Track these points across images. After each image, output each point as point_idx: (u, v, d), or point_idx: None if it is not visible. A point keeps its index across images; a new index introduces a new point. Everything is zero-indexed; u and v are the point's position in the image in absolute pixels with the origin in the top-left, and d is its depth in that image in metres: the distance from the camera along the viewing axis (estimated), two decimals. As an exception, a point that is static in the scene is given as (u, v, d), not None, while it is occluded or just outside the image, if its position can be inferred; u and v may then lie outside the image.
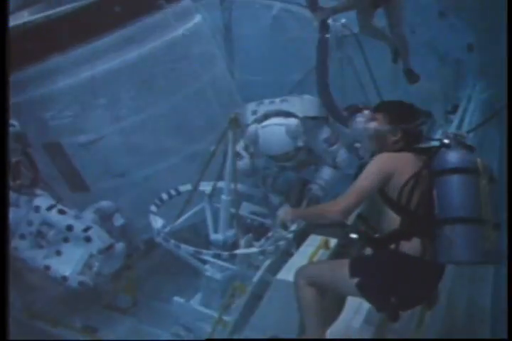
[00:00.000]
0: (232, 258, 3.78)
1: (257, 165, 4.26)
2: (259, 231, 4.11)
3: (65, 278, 4.07)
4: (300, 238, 3.69)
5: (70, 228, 4.12)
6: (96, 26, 4.26)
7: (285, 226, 3.42)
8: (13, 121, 4.52)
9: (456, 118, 6.06)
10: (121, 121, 4.47)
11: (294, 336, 3.02)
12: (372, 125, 2.68)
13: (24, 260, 4.24)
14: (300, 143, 3.96)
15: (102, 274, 4.18)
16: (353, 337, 3.06)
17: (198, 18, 4.94)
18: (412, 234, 2.47)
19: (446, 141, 2.43)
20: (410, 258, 2.48)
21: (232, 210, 4.08)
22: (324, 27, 4.25)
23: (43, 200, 4.33)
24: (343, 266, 2.64)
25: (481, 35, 7.07)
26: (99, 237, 4.14)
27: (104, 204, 4.50)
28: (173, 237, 3.86)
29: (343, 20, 5.41)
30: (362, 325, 3.12)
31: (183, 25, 4.67)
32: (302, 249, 3.48)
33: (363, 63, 5.25)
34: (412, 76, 4.93)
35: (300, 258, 3.32)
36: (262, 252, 3.66)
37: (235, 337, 3.44)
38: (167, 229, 3.98)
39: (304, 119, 4.03)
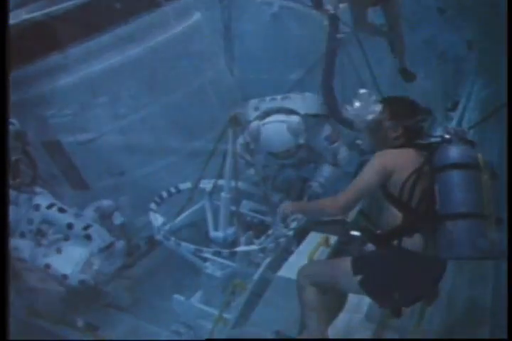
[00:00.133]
0: (233, 255, 3.78)
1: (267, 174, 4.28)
2: (259, 229, 4.11)
3: (65, 277, 4.07)
4: (300, 235, 3.69)
5: (70, 226, 4.12)
6: (95, 24, 4.25)
7: (285, 220, 3.41)
8: (12, 120, 4.51)
9: (456, 116, 6.06)
10: (120, 120, 4.47)
11: (294, 333, 3.02)
12: (372, 116, 2.66)
13: (24, 258, 4.23)
14: (301, 141, 3.97)
15: (103, 272, 4.18)
16: (354, 334, 3.07)
17: (197, 16, 4.93)
18: (414, 230, 2.47)
19: (447, 136, 2.42)
20: (413, 255, 2.48)
21: (233, 208, 4.08)
22: (334, 24, 4.17)
23: (42, 198, 4.32)
24: (345, 264, 2.64)
25: (480, 32, 7.06)
26: (100, 235, 4.14)
27: (104, 202, 4.50)
28: (174, 235, 3.86)
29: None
30: (362, 322, 3.12)
31: (183, 22, 4.66)
32: (302, 246, 3.48)
33: (362, 60, 5.23)
34: (407, 75, 4.92)
35: (300, 255, 3.33)
36: (262, 250, 3.67)
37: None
38: (167, 227, 3.98)
39: (306, 117, 4.04)
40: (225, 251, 3.74)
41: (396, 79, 5.38)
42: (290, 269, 3.10)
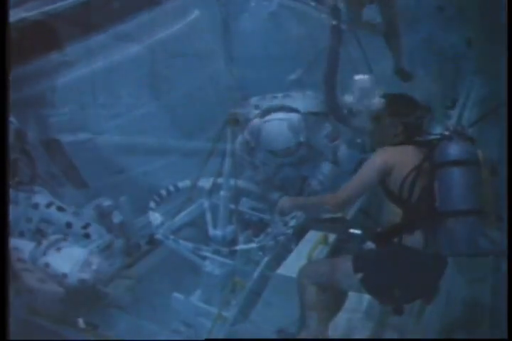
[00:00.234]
0: (232, 254, 3.78)
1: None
2: (258, 227, 4.11)
3: (64, 276, 4.05)
4: (299, 234, 3.69)
5: (69, 225, 4.11)
6: (93, 22, 4.25)
7: (283, 215, 3.41)
8: (11, 118, 4.50)
9: (455, 114, 6.06)
10: (119, 118, 4.46)
11: (294, 331, 3.02)
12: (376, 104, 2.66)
13: (24, 258, 4.22)
14: (302, 139, 3.97)
15: (102, 272, 4.17)
16: (354, 332, 3.06)
17: (195, 14, 4.92)
18: (414, 227, 2.47)
19: (446, 132, 2.42)
20: (413, 252, 2.48)
21: (232, 206, 4.08)
22: (336, 15, 4.11)
23: (41, 197, 4.30)
24: (345, 263, 2.65)
25: (480, 31, 7.06)
26: (99, 234, 4.13)
27: (103, 201, 4.49)
28: (173, 234, 3.85)
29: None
30: (362, 320, 3.12)
31: (182, 21, 4.66)
32: (301, 244, 3.48)
33: (361, 58, 5.23)
34: (404, 75, 4.91)
35: (299, 253, 3.32)
36: (262, 248, 3.66)
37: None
38: (166, 226, 3.98)
39: (306, 115, 4.04)
40: (224, 250, 3.74)
41: (395, 77, 5.38)
42: (289, 267, 3.10)
